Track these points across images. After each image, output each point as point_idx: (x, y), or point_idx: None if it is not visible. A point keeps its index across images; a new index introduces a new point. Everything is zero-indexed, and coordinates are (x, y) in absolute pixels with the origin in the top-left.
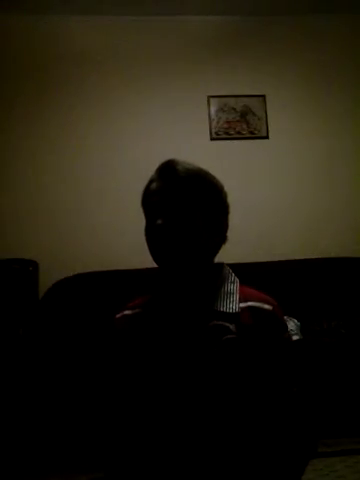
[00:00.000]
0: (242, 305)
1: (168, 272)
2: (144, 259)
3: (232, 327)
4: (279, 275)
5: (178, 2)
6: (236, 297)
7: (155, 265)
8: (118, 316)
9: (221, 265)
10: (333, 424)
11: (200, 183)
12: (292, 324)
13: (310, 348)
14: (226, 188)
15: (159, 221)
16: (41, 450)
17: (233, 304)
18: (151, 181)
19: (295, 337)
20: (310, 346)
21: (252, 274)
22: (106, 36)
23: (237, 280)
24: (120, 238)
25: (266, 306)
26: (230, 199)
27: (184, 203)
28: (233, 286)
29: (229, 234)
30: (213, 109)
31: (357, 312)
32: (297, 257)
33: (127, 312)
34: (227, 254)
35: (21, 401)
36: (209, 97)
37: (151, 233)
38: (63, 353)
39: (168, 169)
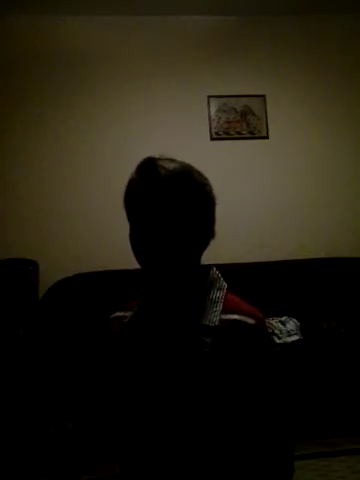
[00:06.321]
0: (225, 317)
1: (153, 274)
2: None
3: (209, 340)
4: (279, 275)
5: (178, 2)
6: (219, 307)
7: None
8: (112, 317)
9: (208, 267)
10: (333, 424)
11: (182, 181)
12: (292, 324)
13: (310, 348)
14: (226, 188)
15: (143, 224)
16: (40, 450)
17: (214, 316)
18: (131, 181)
19: (295, 337)
20: (310, 346)
21: (252, 274)
22: (106, 36)
23: (225, 286)
24: (120, 238)
25: (250, 320)
26: (230, 199)
27: (166, 203)
28: (219, 294)
29: (229, 234)
30: (213, 109)
31: (357, 312)
32: (297, 257)
33: (119, 313)
34: (227, 254)
35: (21, 401)
36: (209, 97)
37: (134, 236)
38: (63, 353)
39: (148, 169)
